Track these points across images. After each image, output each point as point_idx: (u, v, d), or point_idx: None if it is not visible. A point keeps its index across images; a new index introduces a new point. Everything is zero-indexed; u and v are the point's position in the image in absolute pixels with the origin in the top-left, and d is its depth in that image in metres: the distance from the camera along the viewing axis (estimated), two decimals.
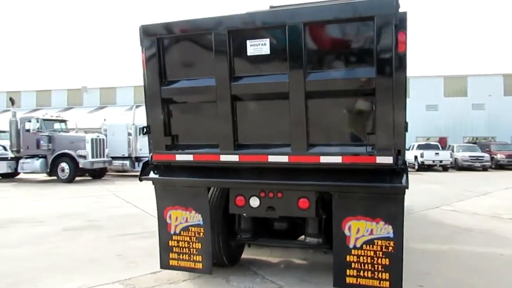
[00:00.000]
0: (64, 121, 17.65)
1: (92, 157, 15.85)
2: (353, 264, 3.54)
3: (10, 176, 17.26)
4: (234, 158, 3.60)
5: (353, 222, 3.51)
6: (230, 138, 3.57)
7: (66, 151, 15.52)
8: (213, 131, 3.65)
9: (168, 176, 3.91)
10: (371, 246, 3.48)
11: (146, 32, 3.64)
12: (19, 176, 17.86)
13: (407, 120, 3.35)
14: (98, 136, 16.58)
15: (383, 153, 3.19)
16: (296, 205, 3.74)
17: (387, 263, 3.45)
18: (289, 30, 3.25)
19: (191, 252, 4.03)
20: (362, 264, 3.51)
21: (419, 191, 13.05)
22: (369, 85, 3.15)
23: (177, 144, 3.81)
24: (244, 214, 4.15)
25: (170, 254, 4.12)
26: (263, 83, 3.44)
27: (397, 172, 3.22)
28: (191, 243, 4.02)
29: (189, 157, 3.76)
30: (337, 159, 3.32)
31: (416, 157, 23.71)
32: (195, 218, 3.98)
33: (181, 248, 4.07)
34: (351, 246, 3.53)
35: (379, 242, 3.45)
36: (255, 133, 3.61)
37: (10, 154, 16.27)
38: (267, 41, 3.37)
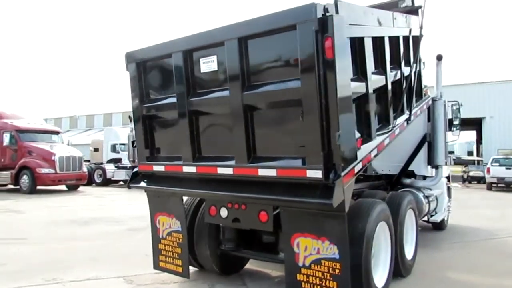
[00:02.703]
0: None
1: None
2: (303, 283, 3.37)
3: None
4: (193, 169, 3.82)
5: (301, 239, 3.35)
6: (189, 150, 3.81)
7: None
8: (178, 144, 3.94)
9: (150, 184, 4.34)
10: (318, 266, 3.26)
11: (128, 58, 4.19)
12: None
13: None
14: None
15: (313, 166, 3.00)
16: (257, 218, 3.73)
17: (335, 286, 3.19)
18: (227, 46, 3.37)
19: (174, 256, 4.36)
20: (312, 285, 3.32)
21: None
22: (296, 96, 3.04)
23: (154, 155, 4.22)
24: (221, 224, 4.29)
25: (160, 256, 4.52)
26: (212, 97, 3.61)
27: (330, 188, 2.97)
28: (173, 247, 4.35)
29: (162, 168, 4.13)
30: (273, 172, 3.25)
31: None
32: (176, 224, 4.30)
33: (167, 252, 4.43)
34: (300, 264, 3.37)
35: (326, 262, 3.22)
36: (210, 146, 3.77)
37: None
38: (214, 57, 3.54)
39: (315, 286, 3.29)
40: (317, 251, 3.26)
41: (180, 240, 4.27)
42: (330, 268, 3.19)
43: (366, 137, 3.78)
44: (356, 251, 3.40)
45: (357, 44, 3.59)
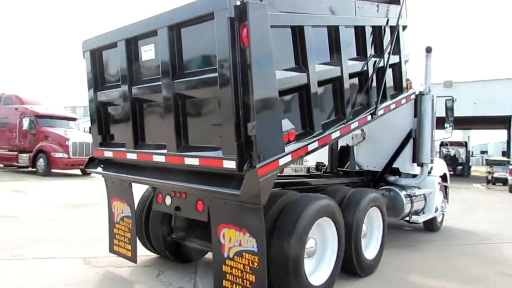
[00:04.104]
0: None
1: None
2: (227, 275, 3.34)
3: None
4: (134, 156, 3.85)
5: (226, 230, 3.32)
6: (131, 138, 3.85)
7: None
8: (124, 131, 3.99)
9: (105, 170, 4.41)
10: (240, 258, 3.23)
11: (84, 46, 4.27)
12: None
13: None
14: None
15: (228, 157, 2.95)
16: (195, 207, 3.73)
17: (254, 280, 3.15)
18: (159, 34, 3.35)
19: (125, 240, 4.44)
20: (235, 277, 3.29)
21: None
22: (215, 86, 2.98)
23: (106, 142, 4.29)
24: (169, 212, 4.30)
25: (114, 240, 4.62)
26: (150, 86, 3.62)
27: (243, 178, 2.91)
28: (125, 232, 4.44)
29: (111, 154, 4.19)
30: (196, 161, 3.22)
31: None
32: (127, 209, 4.37)
33: (120, 236, 4.52)
34: (225, 255, 3.34)
35: (247, 255, 3.18)
36: (150, 133, 3.80)
37: None
38: (152, 46, 3.54)
39: (237, 278, 3.26)
40: (239, 243, 3.22)
41: (130, 225, 4.34)
42: (250, 261, 3.15)
43: (309, 129, 3.67)
44: (286, 245, 3.32)
45: (297, 33, 3.47)
